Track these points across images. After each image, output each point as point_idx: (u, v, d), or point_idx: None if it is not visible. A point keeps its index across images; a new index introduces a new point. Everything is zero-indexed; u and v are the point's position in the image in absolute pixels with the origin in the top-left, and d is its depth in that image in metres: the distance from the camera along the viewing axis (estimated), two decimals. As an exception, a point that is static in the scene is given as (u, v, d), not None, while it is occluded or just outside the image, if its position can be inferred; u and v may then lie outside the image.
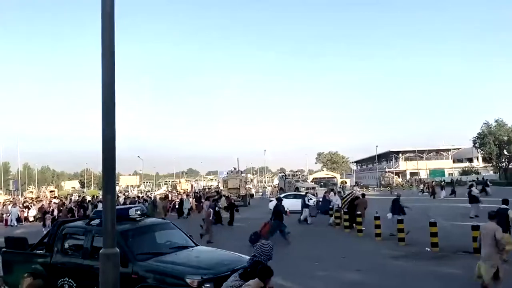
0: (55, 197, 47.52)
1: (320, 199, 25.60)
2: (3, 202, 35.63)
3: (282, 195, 30.49)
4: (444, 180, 52.21)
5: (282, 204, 17.82)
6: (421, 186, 53.57)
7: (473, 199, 21.35)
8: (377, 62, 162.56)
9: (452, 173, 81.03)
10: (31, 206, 33.54)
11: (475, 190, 22.13)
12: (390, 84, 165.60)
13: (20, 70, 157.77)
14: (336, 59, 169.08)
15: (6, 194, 58.96)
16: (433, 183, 47.42)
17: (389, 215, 16.68)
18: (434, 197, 38.08)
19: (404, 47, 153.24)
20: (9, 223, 28.81)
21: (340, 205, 20.59)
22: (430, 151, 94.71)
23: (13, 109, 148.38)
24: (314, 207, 23.80)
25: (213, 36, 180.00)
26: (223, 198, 28.54)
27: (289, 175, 54.73)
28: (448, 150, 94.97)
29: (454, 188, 39.87)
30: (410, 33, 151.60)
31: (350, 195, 21.44)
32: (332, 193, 24.58)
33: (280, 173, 68.04)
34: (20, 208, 31.97)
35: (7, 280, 8.42)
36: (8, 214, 29.56)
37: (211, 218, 18.42)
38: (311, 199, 25.51)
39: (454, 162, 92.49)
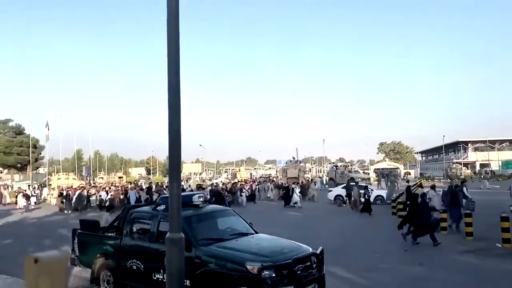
0: (130, 183, 50.26)
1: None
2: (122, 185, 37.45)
3: (340, 187, 30.08)
4: None
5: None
6: None
7: None
8: (444, 46, 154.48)
9: (528, 165, 75.50)
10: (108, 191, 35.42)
11: None
12: (459, 69, 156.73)
13: (96, 66, 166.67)
14: (397, 44, 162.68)
15: (79, 179, 62.95)
16: None
17: None
18: None
19: (477, 32, 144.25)
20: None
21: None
22: (503, 141, 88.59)
23: (87, 100, 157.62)
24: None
25: (271, 27, 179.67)
26: None
27: (340, 165, 53.74)
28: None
29: None
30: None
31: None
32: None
33: (331, 163, 67.05)
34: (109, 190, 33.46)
35: (82, 259, 9.02)
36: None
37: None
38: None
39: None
